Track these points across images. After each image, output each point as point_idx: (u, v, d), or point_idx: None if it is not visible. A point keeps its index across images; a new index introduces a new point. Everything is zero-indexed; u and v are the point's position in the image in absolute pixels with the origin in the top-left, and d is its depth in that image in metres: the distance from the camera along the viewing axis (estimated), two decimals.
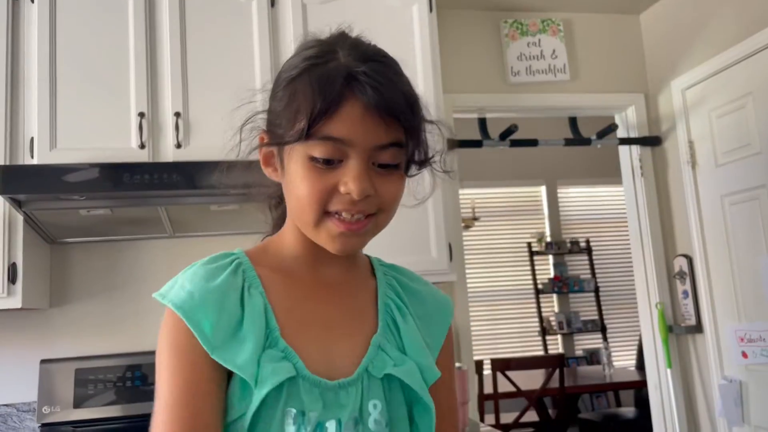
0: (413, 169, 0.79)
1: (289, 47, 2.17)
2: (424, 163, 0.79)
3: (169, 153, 2.06)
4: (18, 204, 1.86)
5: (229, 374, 0.71)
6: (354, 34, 0.77)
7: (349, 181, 0.70)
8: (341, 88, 0.69)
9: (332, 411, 0.72)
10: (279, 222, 0.87)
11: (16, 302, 1.92)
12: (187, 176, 1.86)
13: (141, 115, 2.05)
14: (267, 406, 0.69)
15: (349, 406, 0.73)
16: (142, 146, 2.03)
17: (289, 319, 0.75)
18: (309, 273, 0.80)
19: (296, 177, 0.73)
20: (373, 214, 0.74)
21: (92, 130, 2.03)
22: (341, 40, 0.75)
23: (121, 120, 2.05)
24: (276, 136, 0.75)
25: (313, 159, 0.71)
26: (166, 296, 0.73)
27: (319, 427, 0.71)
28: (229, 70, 2.13)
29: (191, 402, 0.69)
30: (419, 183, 0.83)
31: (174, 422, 0.68)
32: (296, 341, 0.73)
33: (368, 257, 0.88)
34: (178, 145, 2.06)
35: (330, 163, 0.71)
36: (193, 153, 2.05)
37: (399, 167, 0.75)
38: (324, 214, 0.73)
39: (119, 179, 1.83)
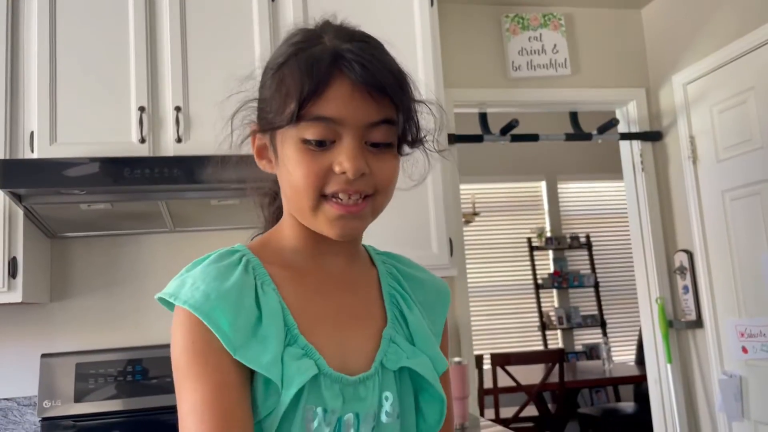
0: (406, 149, 0.78)
1: None
2: (417, 142, 0.78)
3: (169, 147, 2.05)
4: (18, 198, 1.86)
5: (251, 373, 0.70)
6: (338, 21, 0.77)
7: (344, 160, 0.70)
8: (328, 68, 0.69)
9: (351, 405, 0.72)
10: (274, 219, 0.86)
11: (16, 296, 1.92)
12: (187, 171, 1.85)
13: (141, 109, 2.04)
14: (289, 405, 0.68)
15: (368, 399, 0.73)
16: (143, 140, 2.03)
17: (304, 316, 0.74)
18: (314, 266, 0.79)
19: (290, 162, 0.72)
20: (371, 195, 0.73)
21: (92, 124, 2.02)
22: (326, 26, 0.75)
23: (121, 114, 2.05)
24: (267, 122, 0.74)
25: (305, 142, 0.71)
26: (178, 296, 0.70)
27: (338, 422, 0.71)
28: (230, 65, 2.12)
29: (222, 406, 0.66)
30: (414, 165, 0.82)
31: (207, 427, 0.65)
32: (313, 337, 0.73)
33: (364, 246, 0.88)
34: (179, 140, 2.05)
35: (323, 145, 0.71)
36: (193, 147, 2.04)
37: (392, 146, 0.74)
38: (321, 197, 0.72)
39: (119, 174, 1.83)
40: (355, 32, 0.75)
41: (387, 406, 0.74)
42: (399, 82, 0.73)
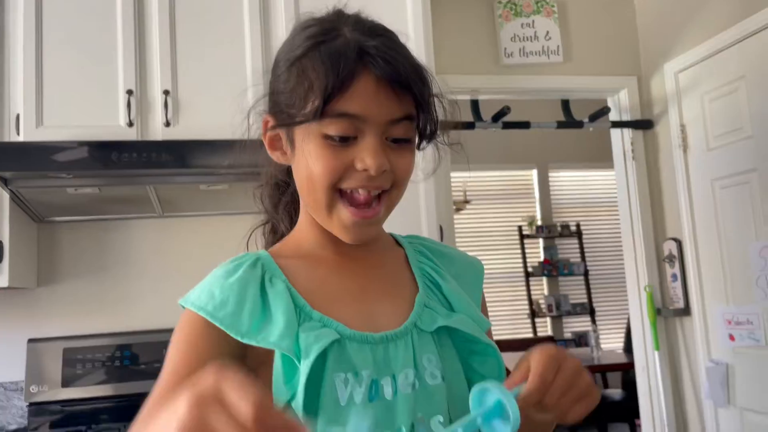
0: (423, 143, 0.78)
1: (280, 26, 2.14)
2: (433, 136, 0.78)
3: (157, 131, 2.03)
4: (4, 182, 1.84)
5: (256, 368, 0.70)
6: (351, 11, 0.76)
7: (366, 157, 0.70)
8: (354, 64, 0.68)
9: (384, 368, 0.71)
10: (286, 213, 0.86)
11: (2, 281, 1.91)
12: (176, 155, 1.84)
13: (129, 92, 2.02)
14: (315, 377, 0.66)
15: (399, 360, 0.71)
16: (131, 124, 2.01)
17: (320, 295, 0.74)
18: (332, 252, 0.79)
19: (310, 157, 0.71)
20: (386, 191, 0.73)
21: (79, 107, 2.00)
22: (341, 17, 0.74)
23: (109, 97, 2.02)
24: (286, 116, 0.73)
25: (327, 137, 0.70)
26: (188, 299, 0.72)
27: (374, 385, 0.69)
28: (219, 49, 2.10)
29: (193, 363, 0.67)
30: (423, 157, 0.82)
31: (170, 377, 0.67)
32: (332, 311, 0.72)
33: (390, 234, 0.88)
34: (167, 124, 2.03)
35: (345, 141, 0.70)
36: (182, 131, 2.02)
37: (410, 141, 0.74)
38: (336, 192, 0.72)
39: (107, 158, 1.81)
40: (373, 25, 0.74)
41: (431, 368, 0.73)
42: (421, 78, 0.73)
